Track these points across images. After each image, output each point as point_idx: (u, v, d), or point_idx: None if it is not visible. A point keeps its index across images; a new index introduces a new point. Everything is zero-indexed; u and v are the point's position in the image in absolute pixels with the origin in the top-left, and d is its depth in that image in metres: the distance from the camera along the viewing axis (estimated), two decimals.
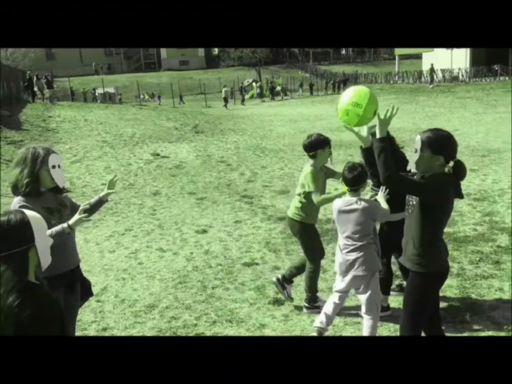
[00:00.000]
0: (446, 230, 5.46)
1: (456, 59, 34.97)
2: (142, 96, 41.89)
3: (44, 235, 2.01)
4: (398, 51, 43.05)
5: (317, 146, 3.96)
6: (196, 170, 10.38)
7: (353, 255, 3.42)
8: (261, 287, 4.64)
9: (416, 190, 2.60)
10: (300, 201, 4.09)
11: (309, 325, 3.88)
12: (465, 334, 3.60)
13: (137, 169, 10.59)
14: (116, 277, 5.09)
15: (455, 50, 35.49)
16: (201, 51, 65.20)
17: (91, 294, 3.45)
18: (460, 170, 2.63)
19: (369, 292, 3.41)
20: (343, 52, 71.19)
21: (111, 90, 39.38)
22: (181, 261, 5.43)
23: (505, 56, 33.48)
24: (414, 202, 2.66)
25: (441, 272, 2.68)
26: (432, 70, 31.79)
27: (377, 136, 2.61)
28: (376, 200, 3.50)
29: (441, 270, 2.68)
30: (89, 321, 4.14)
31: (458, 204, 6.80)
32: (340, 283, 3.52)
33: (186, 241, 6.05)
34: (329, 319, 3.55)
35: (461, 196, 2.71)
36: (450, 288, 4.39)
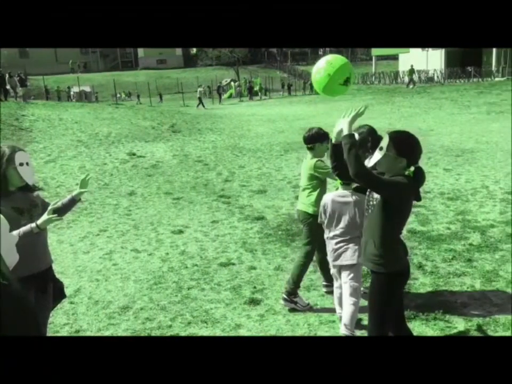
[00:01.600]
0: (420, 229, 5.54)
1: (431, 60, 35.56)
2: (118, 95, 41.43)
3: (5, 233, 1.95)
4: (375, 52, 43.55)
5: (316, 139, 4.10)
6: (173, 170, 10.29)
7: (343, 245, 3.63)
8: (237, 287, 4.63)
9: (383, 187, 2.61)
10: (310, 194, 4.15)
11: (284, 325, 3.88)
12: (437, 331, 3.65)
13: (113, 169, 10.45)
14: (89, 279, 5.01)
15: (431, 51, 36.08)
16: (179, 50, 64.80)
17: (64, 296, 3.38)
18: (420, 176, 2.66)
19: (353, 276, 3.60)
20: (321, 52, 71.61)
21: (87, 89, 38.85)
22: (156, 261, 5.38)
23: (479, 58, 34.20)
24: (374, 203, 2.67)
25: (402, 272, 2.71)
26: (412, 71, 32.20)
27: (345, 133, 2.62)
28: None
29: (402, 269, 2.70)
30: (62, 323, 4.07)
31: (432, 203, 6.91)
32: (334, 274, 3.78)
33: (162, 241, 5.99)
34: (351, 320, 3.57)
35: (418, 199, 2.75)
36: (424, 286, 4.45)
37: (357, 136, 2.69)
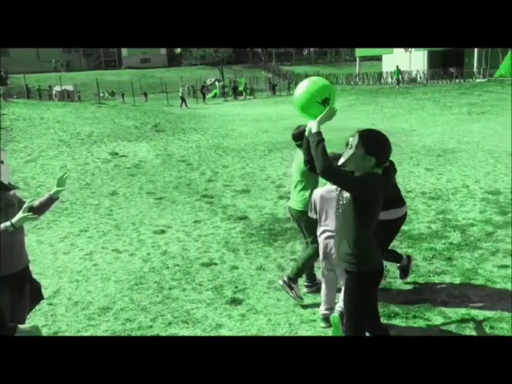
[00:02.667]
0: (401, 227, 5.58)
1: (414, 61, 35.91)
2: (101, 94, 41.04)
3: None
4: (359, 53, 43.83)
5: (303, 137, 4.10)
6: (155, 169, 10.22)
7: (332, 240, 3.63)
8: (218, 287, 4.61)
9: (350, 184, 2.60)
10: (302, 190, 4.20)
11: (265, 324, 3.88)
12: (417, 329, 3.68)
13: (95, 169, 10.34)
14: (69, 279, 4.95)
15: (414, 52, 36.45)
16: (163, 49, 64.40)
17: (41, 297, 3.34)
18: (389, 176, 2.66)
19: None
20: (305, 52, 71.85)
21: (69, 88, 38.40)
22: (138, 262, 5.33)
23: (461, 60, 34.64)
24: (345, 202, 2.67)
25: (376, 270, 2.71)
26: (399, 72, 32.44)
27: (313, 130, 2.63)
28: None
29: (375, 268, 2.71)
30: (40, 325, 3.99)
31: (413, 202, 6.96)
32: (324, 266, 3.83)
33: (144, 242, 5.94)
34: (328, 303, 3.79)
35: (389, 198, 2.77)
36: (404, 285, 4.48)
37: (353, 141, 2.66)
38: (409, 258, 4.50)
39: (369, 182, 2.57)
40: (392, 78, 35.47)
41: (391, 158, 4.12)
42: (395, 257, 4.46)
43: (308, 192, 4.16)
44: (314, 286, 4.44)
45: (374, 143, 2.58)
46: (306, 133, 2.83)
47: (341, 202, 2.71)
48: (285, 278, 4.24)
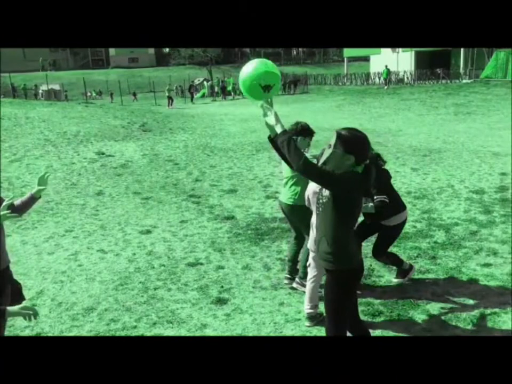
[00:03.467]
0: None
1: (402, 62, 36.14)
2: (89, 94, 40.75)
3: None
4: (347, 53, 44.01)
5: (300, 133, 4.25)
6: (142, 169, 10.17)
7: None
8: (204, 287, 4.60)
9: (327, 179, 2.58)
10: (293, 185, 4.30)
11: (250, 324, 3.88)
12: (401, 328, 3.70)
13: (81, 169, 10.25)
14: (53, 280, 4.90)
15: (401, 53, 36.68)
16: (151, 48, 64.14)
17: (23, 298, 3.30)
18: (368, 174, 2.66)
19: None
20: (294, 53, 71.99)
21: (56, 87, 38.05)
22: (123, 262, 5.30)
23: (447, 61, 34.95)
24: (325, 200, 2.68)
25: (355, 268, 2.72)
26: (388, 72, 32.58)
27: (278, 131, 2.61)
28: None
29: (355, 266, 2.71)
30: (22, 326, 3.96)
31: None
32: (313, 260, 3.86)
33: (129, 242, 5.91)
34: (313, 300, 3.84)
35: (369, 196, 2.77)
36: (389, 284, 4.50)
37: (331, 141, 2.66)
38: (411, 267, 4.55)
39: (348, 180, 2.56)
40: (379, 78, 35.69)
41: (386, 167, 4.23)
42: (394, 260, 4.51)
43: (299, 188, 4.25)
44: (300, 284, 4.47)
45: (352, 141, 2.59)
46: (273, 132, 2.80)
47: (321, 200, 2.72)
48: (297, 280, 4.43)
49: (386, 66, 33.16)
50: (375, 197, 4.00)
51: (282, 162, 4.38)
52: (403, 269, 4.52)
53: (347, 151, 2.56)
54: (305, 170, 2.51)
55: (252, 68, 2.95)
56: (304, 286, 4.28)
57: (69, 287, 4.71)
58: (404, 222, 4.37)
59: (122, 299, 4.41)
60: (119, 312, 4.17)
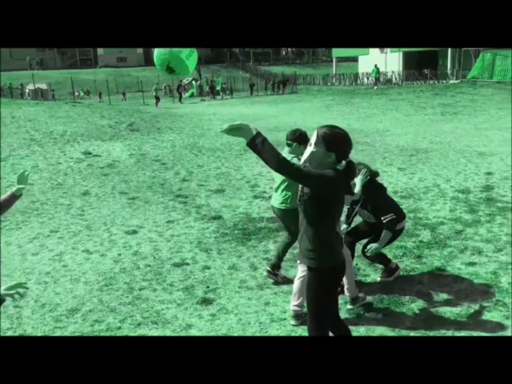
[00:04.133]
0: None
1: (390, 62, 36.36)
2: (77, 93, 40.42)
3: None
4: (335, 53, 44.17)
5: (296, 140, 4.33)
6: (129, 169, 10.10)
7: None
8: (189, 287, 4.57)
9: (307, 178, 2.55)
10: (284, 190, 4.37)
11: (235, 324, 3.86)
12: (386, 327, 3.71)
13: (67, 169, 10.16)
14: (37, 281, 4.84)
15: (389, 54, 36.90)
16: (139, 48, 63.79)
17: (2, 300, 3.25)
18: (350, 170, 2.65)
19: None
20: (283, 53, 72.06)
21: (43, 86, 37.69)
22: (108, 262, 5.25)
23: (435, 61, 35.23)
24: (305, 198, 2.67)
25: (336, 266, 2.71)
26: (378, 71, 32.69)
27: (254, 133, 2.48)
28: None
29: (336, 263, 2.70)
30: (4, 328, 3.90)
31: None
32: None
33: (115, 242, 5.86)
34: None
35: (351, 193, 2.76)
36: (374, 283, 4.52)
37: (312, 139, 2.65)
38: (398, 267, 4.63)
39: (328, 177, 2.54)
40: (368, 78, 35.85)
41: (381, 181, 4.31)
42: (381, 259, 4.58)
43: (290, 192, 4.30)
44: (273, 275, 4.58)
45: (333, 139, 2.58)
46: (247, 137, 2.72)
47: (302, 198, 2.71)
48: (268, 268, 4.60)
49: (376, 65, 33.31)
50: (382, 218, 4.23)
51: None
52: (389, 268, 4.56)
53: (328, 149, 2.56)
54: (282, 169, 2.47)
55: (168, 50, 3.11)
56: (275, 275, 4.55)
57: (52, 288, 4.66)
58: (402, 230, 4.57)
59: (107, 300, 4.37)
60: (104, 313, 4.13)
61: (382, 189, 4.49)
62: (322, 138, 2.57)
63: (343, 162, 2.61)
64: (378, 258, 4.56)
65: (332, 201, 2.62)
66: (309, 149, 2.61)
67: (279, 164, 2.42)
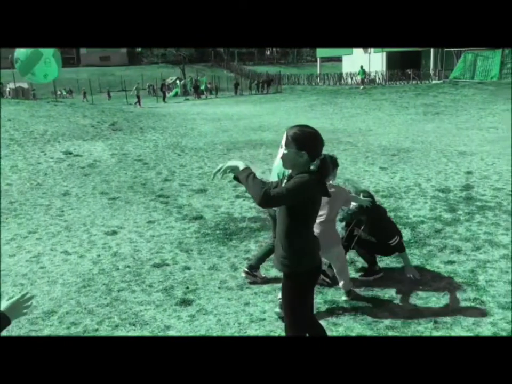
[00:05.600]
0: None
1: (373, 62, 36.62)
2: (59, 92, 39.95)
3: None
4: (320, 53, 44.34)
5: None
6: (110, 169, 9.99)
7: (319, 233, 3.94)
8: (169, 288, 4.53)
9: (291, 198, 2.49)
10: None
11: (214, 325, 3.83)
12: (364, 326, 3.72)
13: (47, 169, 10.02)
14: (13, 283, 4.75)
15: (373, 54, 37.17)
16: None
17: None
18: (323, 168, 2.62)
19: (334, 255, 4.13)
20: (268, 52, 72.12)
21: (24, 85, 37.17)
22: (87, 263, 5.18)
23: (418, 61, 35.58)
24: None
25: (310, 270, 2.69)
26: (363, 72, 32.87)
27: (241, 167, 2.53)
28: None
29: (310, 268, 2.68)
30: None
31: None
32: None
33: (94, 243, 5.78)
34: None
35: (327, 195, 2.72)
36: (354, 282, 4.52)
37: (283, 141, 2.63)
38: (380, 270, 4.68)
39: (305, 184, 2.49)
40: (352, 78, 36.07)
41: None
42: (370, 259, 4.69)
43: None
44: (252, 276, 4.58)
45: (303, 138, 2.55)
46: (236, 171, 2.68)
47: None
48: (245, 269, 4.59)
49: (361, 66, 33.50)
50: (389, 242, 4.45)
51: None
52: (372, 270, 4.60)
53: (299, 148, 2.54)
54: (266, 203, 2.42)
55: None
56: (253, 276, 4.56)
57: (29, 290, 4.57)
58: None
59: (85, 302, 4.31)
60: (81, 315, 4.07)
61: (383, 211, 4.75)
62: (292, 139, 2.55)
63: (317, 160, 2.59)
64: (368, 257, 4.67)
65: (307, 208, 2.57)
66: (281, 151, 2.59)
67: (262, 199, 2.38)
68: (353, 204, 4.42)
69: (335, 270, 4.26)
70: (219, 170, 2.56)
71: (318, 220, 3.94)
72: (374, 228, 4.55)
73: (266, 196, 2.37)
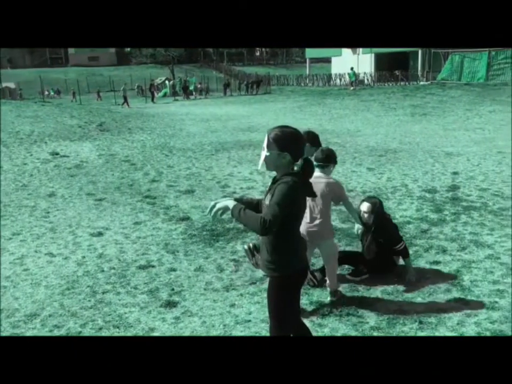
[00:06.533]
0: (340, 226, 5.63)
1: (362, 64, 36.79)
2: (47, 93, 39.61)
3: None
4: (309, 54, 44.46)
5: (309, 141, 4.36)
6: (97, 170, 9.91)
7: (313, 223, 4.05)
8: (154, 290, 4.49)
9: (284, 210, 2.44)
10: None
11: (199, 326, 3.81)
12: (350, 327, 3.72)
13: (33, 169, 9.92)
14: None
15: (361, 55, 37.34)
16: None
17: None
18: (306, 168, 2.60)
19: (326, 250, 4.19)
20: (257, 53, 72.16)
21: (11, 85, 36.81)
22: (72, 265, 5.13)
23: (406, 63, 35.81)
24: (265, 210, 2.61)
25: (295, 273, 2.67)
26: (354, 73, 32.97)
27: (231, 206, 2.48)
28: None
29: (294, 270, 2.66)
30: None
31: (354, 201, 7.05)
32: None
33: (79, 244, 5.73)
34: None
35: (313, 195, 2.70)
36: (341, 280, 4.52)
37: (264, 143, 2.61)
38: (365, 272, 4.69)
39: (292, 192, 2.46)
40: (341, 79, 36.19)
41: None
42: (358, 260, 4.74)
43: None
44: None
45: (284, 139, 2.53)
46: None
47: (263, 210, 2.64)
48: (250, 244, 4.44)
49: (352, 68, 33.62)
50: (395, 247, 4.54)
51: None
52: (360, 270, 4.60)
53: (281, 149, 2.52)
54: (268, 231, 2.38)
55: None
56: (253, 255, 4.46)
57: (11, 293, 4.51)
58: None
59: (68, 304, 4.26)
60: (64, 317, 4.02)
61: (389, 218, 4.85)
62: (273, 140, 2.53)
63: (300, 161, 2.58)
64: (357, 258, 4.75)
65: (292, 212, 2.53)
66: (263, 153, 2.57)
67: (262, 230, 2.36)
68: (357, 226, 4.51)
69: (325, 266, 4.29)
70: (211, 210, 2.52)
71: (312, 214, 4.05)
72: (381, 234, 4.60)
73: (264, 224, 2.34)
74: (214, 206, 2.52)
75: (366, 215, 4.62)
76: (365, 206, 4.66)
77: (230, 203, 2.50)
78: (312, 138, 4.37)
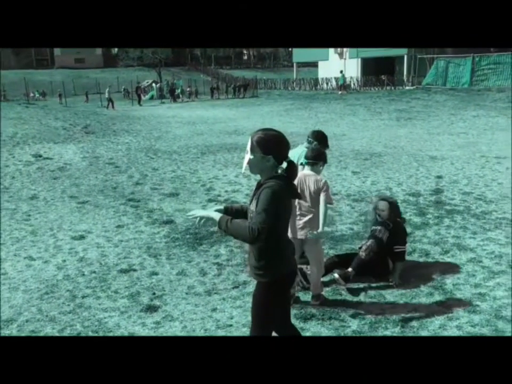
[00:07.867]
0: (325, 229, 5.62)
1: (348, 68, 36.99)
2: (32, 94, 39.20)
3: None
4: (296, 58, 44.61)
5: (316, 139, 4.61)
6: (81, 172, 9.80)
7: (301, 220, 4.10)
8: (135, 294, 4.42)
9: (273, 218, 2.39)
10: None
11: (180, 331, 3.75)
12: (332, 331, 3.69)
13: (15, 172, 9.77)
14: None
15: (348, 60, 37.56)
16: (98, 49, 62.60)
17: None
18: (291, 171, 2.56)
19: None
20: (245, 57, 72.30)
21: None
22: (51, 269, 5.03)
23: (392, 67, 36.10)
24: (252, 215, 2.57)
25: (283, 277, 2.63)
26: (343, 77, 33.10)
27: (216, 218, 2.46)
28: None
29: (282, 274, 2.61)
30: None
31: (339, 204, 7.08)
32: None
33: (60, 248, 5.63)
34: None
35: (297, 196, 2.68)
36: (324, 287, 4.50)
37: (248, 146, 2.58)
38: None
39: (278, 196, 2.42)
40: (327, 84, 36.34)
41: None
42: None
43: None
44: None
45: (268, 142, 2.50)
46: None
47: (250, 215, 2.61)
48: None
49: (341, 71, 33.75)
50: (395, 247, 4.57)
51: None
52: (348, 276, 4.56)
53: (265, 153, 2.49)
54: (258, 239, 2.35)
55: None
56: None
57: None
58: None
59: (47, 309, 4.18)
60: (42, 322, 3.94)
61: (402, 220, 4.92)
62: (257, 144, 2.50)
63: (284, 163, 2.55)
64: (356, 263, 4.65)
65: (276, 218, 2.45)
66: (247, 157, 2.54)
67: (252, 238, 2.34)
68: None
69: (310, 269, 4.29)
70: (195, 217, 2.53)
71: (301, 211, 4.11)
72: (392, 234, 4.63)
73: (253, 233, 2.32)
74: (198, 213, 2.51)
75: (384, 213, 4.67)
76: (383, 204, 4.70)
77: (216, 215, 2.47)
78: (321, 138, 4.49)
